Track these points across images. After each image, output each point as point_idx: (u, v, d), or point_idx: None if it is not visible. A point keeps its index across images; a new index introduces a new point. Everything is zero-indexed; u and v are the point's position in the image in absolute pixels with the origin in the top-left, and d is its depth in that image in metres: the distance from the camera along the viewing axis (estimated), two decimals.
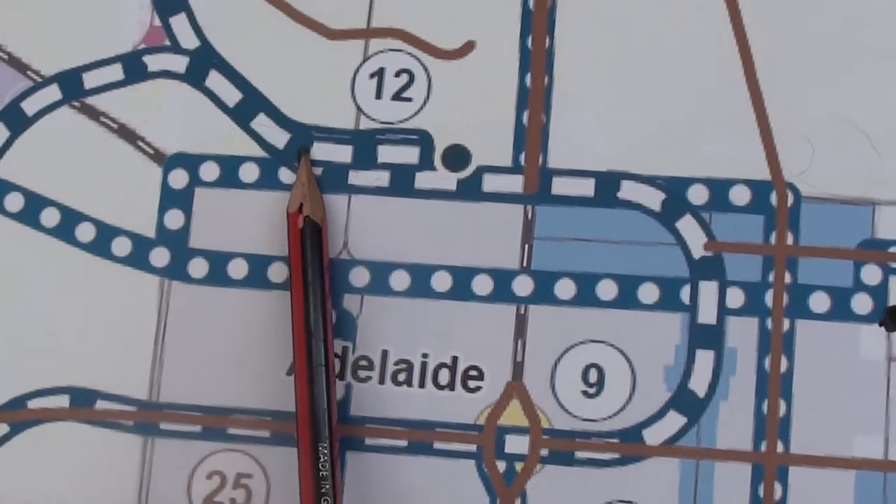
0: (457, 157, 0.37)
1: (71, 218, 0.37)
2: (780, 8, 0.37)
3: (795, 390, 0.35)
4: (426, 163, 0.37)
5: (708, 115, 0.36)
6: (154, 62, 0.38)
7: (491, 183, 0.36)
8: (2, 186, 0.38)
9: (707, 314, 0.35)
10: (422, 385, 0.36)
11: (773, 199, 0.36)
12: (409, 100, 0.37)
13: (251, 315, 0.36)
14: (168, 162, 0.37)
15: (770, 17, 0.37)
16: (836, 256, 0.35)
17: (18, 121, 0.38)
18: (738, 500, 0.34)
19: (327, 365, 0.34)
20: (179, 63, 0.38)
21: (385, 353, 0.36)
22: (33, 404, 0.36)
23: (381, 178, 0.37)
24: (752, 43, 0.36)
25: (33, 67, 0.38)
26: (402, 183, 0.37)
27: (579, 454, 0.35)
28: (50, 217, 0.37)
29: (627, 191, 0.36)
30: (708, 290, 0.35)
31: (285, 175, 0.37)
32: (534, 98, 0.37)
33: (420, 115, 0.37)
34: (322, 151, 0.37)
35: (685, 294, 0.35)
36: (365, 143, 0.37)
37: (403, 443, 0.35)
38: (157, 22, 0.38)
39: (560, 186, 0.36)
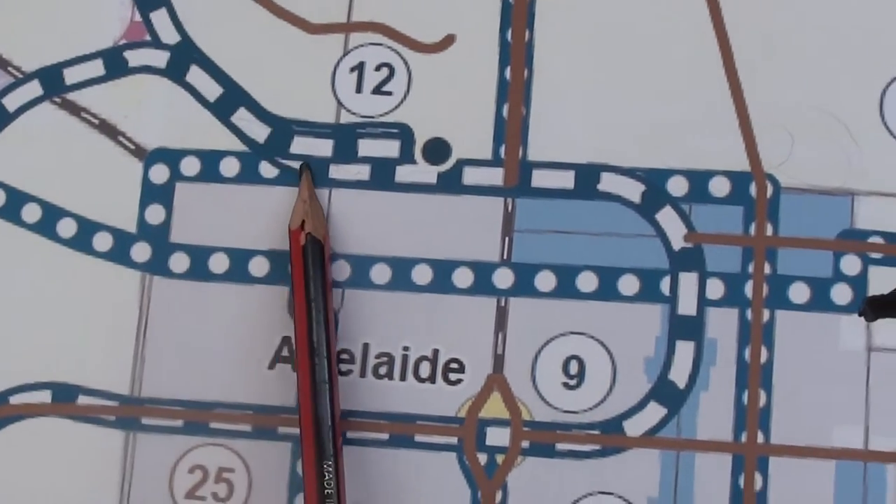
0: (437, 150, 0.37)
1: (52, 213, 0.37)
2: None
3: (775, 381, 0.35)
4: (406, 156, 0.37)
5: (687, 107, 0.36)
6: (135, 57, 0.38)
7: (471, 176, 0.37)
8: None
9: (687, 305, 0.35)
10: (403, 378, 0.36)
11: (753, 190, 0.36)
12: (389, 93, 0.37)
13: (232, 309, 0.36)
14: (149, 157, 0.37)
15: (748, 8, 0.37)
16: (816, 247, 0.35)
17: None
18: (719, 491, 0.34)
19: (331, 382, 0.34)
20: (160, 58, 0.38)
21: (366, 347, 0.36)
22: (15, 400, 0.36)
23: (362, 172, 0.37)
24: (731, 34, 0.36)
25: (14, 63, 0.38)
26: (382, 176, 0.37)
27: (560, 446, 0.35)
28: (31, 213, 0.37)
29: (607, 183, 0.36)
30: (688, 281, 0.35)
31: (266, 169, 0.37)
32: (514, 91, 0.37)
33: (400, 109, 0.37)
34: (302, 145, 0.37)
35: (665, 285, 0.35)
36: (345, 137, 0.37)
37: (385, 436, 0.35)
38: (138, 17, 0.38)
39: (540, 179, 0.36)
